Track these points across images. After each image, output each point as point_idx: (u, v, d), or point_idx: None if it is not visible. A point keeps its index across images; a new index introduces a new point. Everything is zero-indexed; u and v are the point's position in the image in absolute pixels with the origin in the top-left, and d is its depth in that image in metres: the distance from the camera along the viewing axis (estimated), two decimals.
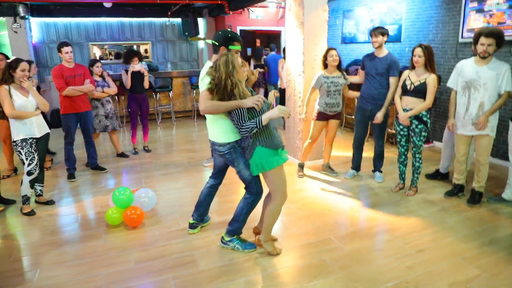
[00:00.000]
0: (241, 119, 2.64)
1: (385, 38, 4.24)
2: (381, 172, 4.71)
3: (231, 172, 3.21)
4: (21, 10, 7.34)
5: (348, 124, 7.52)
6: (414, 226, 3.51)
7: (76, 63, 4.90)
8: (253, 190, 2.98)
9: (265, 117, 2.63)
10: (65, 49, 4.65)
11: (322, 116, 4.59)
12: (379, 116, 4.31)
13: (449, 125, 3.99)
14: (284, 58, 7.83)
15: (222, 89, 2.65)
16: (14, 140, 3.75)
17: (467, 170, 4.14)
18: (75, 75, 4.77)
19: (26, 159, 3.78)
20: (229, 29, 3.11)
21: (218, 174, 3.31)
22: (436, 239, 3.27)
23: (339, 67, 4.49)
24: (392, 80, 4.24)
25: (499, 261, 2.94)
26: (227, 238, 3.12)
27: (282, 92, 7.91)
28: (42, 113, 4.03)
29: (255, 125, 2.62)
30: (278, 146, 2.80)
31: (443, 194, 4.19)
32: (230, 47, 2.88)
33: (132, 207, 3.59)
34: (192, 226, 3.44)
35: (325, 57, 4.45)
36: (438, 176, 4.68)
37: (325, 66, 4.48)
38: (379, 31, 4.23)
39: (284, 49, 8.09)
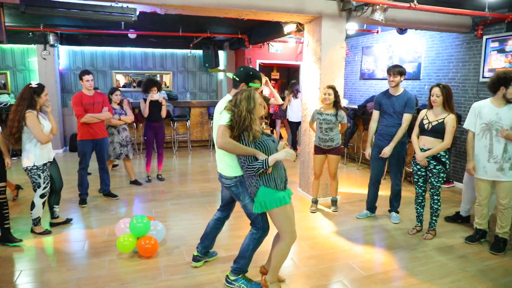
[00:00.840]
0: (248, 158, 2.64)
1: (402, 78, 4.21)
2: (397, 212, 4.52)
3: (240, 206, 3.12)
4: (51, 38, 7.69)
5: (365, 161, 7.37)
6: (432, 274, 3.30)
7: (96, 90, 5.01)
8: (259, 225, 2.88)
9: (271, 159, 2.60)
10: (86, 77, 4.77)
11: (318, 150, 4.65)
12: (386, 151, 4.22)
13: (469, 168, 3.81)
14: (292, 92, 8.00)
15: (239, 123, 2.62)
16: (36, 165, 3.80)
17: (489, 214, 3.93)
18: (94, 103, 4.87)
19: (44, 182, 3.88)
20: (250, 66, 3.12)
21: (225, 207, 3.26)
22: None
23: (336, 105, 4.49)
24: (406, 117, 4.19)
25: None
26: (232, 278, 2.99)
27: (293, 124, 8.14)
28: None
29: (261, 166, 2.59)
30: (282, 187, 2.73)
31: (464, 239, 3.97)
32: (250, 84, 2.88)
33: (146, 237, 3.54)
34: (195, 259, 3.35)
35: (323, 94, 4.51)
36: (458, 219, 4.46)
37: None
38: (397, 70, 4.17)
39: (291, 83, 8.26)
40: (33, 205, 3.93)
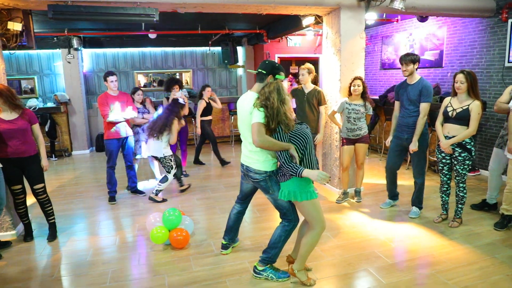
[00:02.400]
0: (286, 157, 2.71)
1: (416, 66, 4.06)
2: (419, 208, 4.36)
3: (266, 198, 3.19)
4: (75, 42, 7.92)
5: (387, 151, 7.30)
6: (459, 261, 3.29)
7: (120, 91, 5.17)
8: (291, 217, 2.95)
9: (305, 174, 2.64)
10: (110, 78, 4.92)
11: (347, 142, 4.68)
12: (412, 147, 4.10)
13: (510, 148, 3.67)
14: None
15: (273, 116, 2.68)
16: (169, 155, 5.04)
17: None
18: (119, 103, 5.03)
19: (174, 165, 5.11)
20: (274, 60, 3.16)
21: (245, 200, 3.38)
22: (483, 276, 3.04)
23: (363, 95, 4.54)
24: (423, 106, 4.01)
25: None
26: (260, 268, 3.07)
27: None
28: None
29: (295, 172, 2.66)
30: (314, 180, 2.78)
31: (492, 226, 3.93)
32: (277, 76, 2.92)
33: (178, 229, 3.69)
34: (224, 247, 3.52)
35: (350, 85, 4.54)
36: (485, 207, 4.40)
37: (350, 93, 4.56)
38: (409, 58, 4.03)
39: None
40: (165, 179, 5.05)
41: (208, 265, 3.35)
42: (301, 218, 3.04)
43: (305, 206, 2.78)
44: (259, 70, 2.96)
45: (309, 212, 2.81)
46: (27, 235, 3.98)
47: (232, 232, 3.48)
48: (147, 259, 3.50)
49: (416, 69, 4.12)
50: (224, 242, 3.51)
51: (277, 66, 2.95)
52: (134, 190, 5.44)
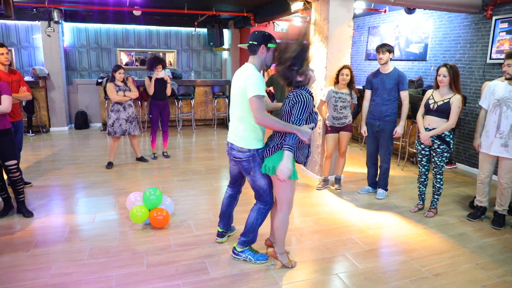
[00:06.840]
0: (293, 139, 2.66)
1: (391, 55, 4.30)
2: (385, 190, 4.64)
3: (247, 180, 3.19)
4: (55, 15, 7.62)
5: None
6: (432, 249, 3.40)
7: (11, 69, 4.38)
8: (267, 199, 2.95)
9: (304, 128, 2.64)
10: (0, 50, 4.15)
11: (332, 130, 4.73)
12: (399, 130, 4.35)
13: (475, 145, 3.93)
14: None
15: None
16: None
17: (490, 192, 4.02)
18: (12, 82, 4.25)
19: None
20: (263, 30, 3.04)
21: (235, 184, 3.26)
22: (455, 264, 3.15)
23: (350, 85, 4.61)
24: (404, 94, 4.31)
25: None
26: (239, 249, 3.09)
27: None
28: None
29: (294, 141, 2.64)
30: (300, 161, 2.81)
31: (465, 217, 4.07)
32: (269, 45, 2.79)
33: (158, 209, 3.66)
34: (220, 235, 3.40)
35: (338, 73, 4.59)
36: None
37: (337, 81, 4.61)
38: (386, 48, 4.28)
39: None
40: None
41: (187, 245, 3.35)
42: None
43: (285, 184, 2.74)
44: (250, 42, 2.82)
45: (286, 192, 2.80)
46: (5, 211, 3.86)
47: (225, 217, 3.35)
48: (126, 238, 3.47)
49: (390, 59, 4.34)
50: (220, 230, 3.39)
51: (267, 35, 2.81)
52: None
